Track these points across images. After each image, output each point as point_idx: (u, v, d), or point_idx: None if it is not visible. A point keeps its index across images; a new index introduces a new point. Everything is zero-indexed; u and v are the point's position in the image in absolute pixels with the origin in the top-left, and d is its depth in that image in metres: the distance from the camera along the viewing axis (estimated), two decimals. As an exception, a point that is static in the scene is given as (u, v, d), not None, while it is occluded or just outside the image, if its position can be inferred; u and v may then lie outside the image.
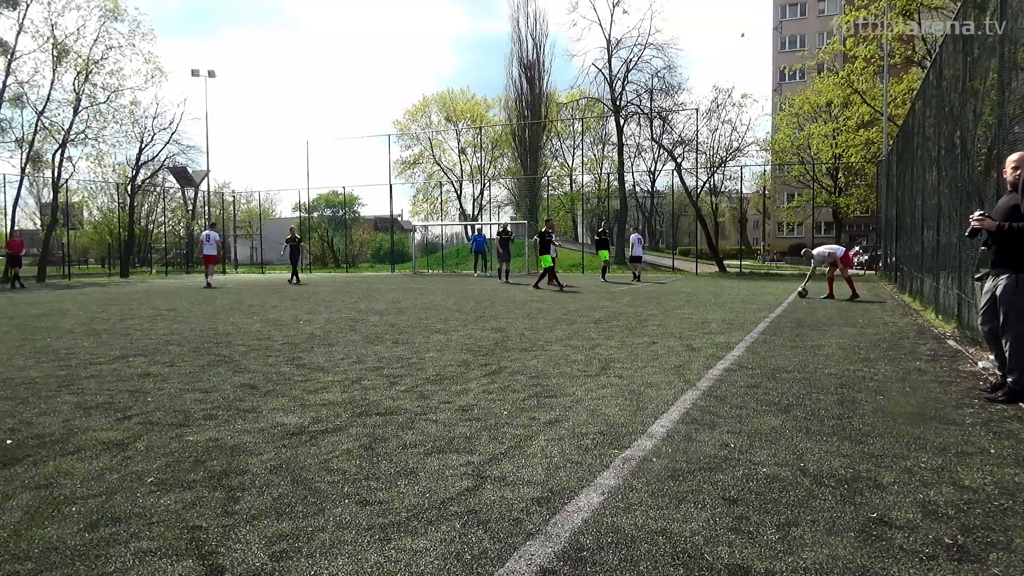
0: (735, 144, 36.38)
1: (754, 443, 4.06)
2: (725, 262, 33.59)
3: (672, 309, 12.58)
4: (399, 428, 4.45)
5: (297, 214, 47.97)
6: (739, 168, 38.58)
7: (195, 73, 37.80)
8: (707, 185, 37.39)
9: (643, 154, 51.03)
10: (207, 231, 25.22)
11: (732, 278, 26.75)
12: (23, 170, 31.42)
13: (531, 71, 48.16)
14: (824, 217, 48.77)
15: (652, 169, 54.31)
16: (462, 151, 56.82)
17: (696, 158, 35.12)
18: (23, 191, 32.63)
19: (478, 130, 53.02)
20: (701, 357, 7.14)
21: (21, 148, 31.05)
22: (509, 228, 26.90)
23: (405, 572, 2.51)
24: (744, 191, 47.20)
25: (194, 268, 42.27)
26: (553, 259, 19.97)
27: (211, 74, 37.98)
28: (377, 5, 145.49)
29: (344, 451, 3.96)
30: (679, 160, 36.10)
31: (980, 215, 5.10)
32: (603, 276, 24.95)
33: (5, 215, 32.81)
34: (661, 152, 45.19)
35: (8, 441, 4.21)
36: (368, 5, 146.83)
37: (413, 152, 57.17)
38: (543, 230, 20.44)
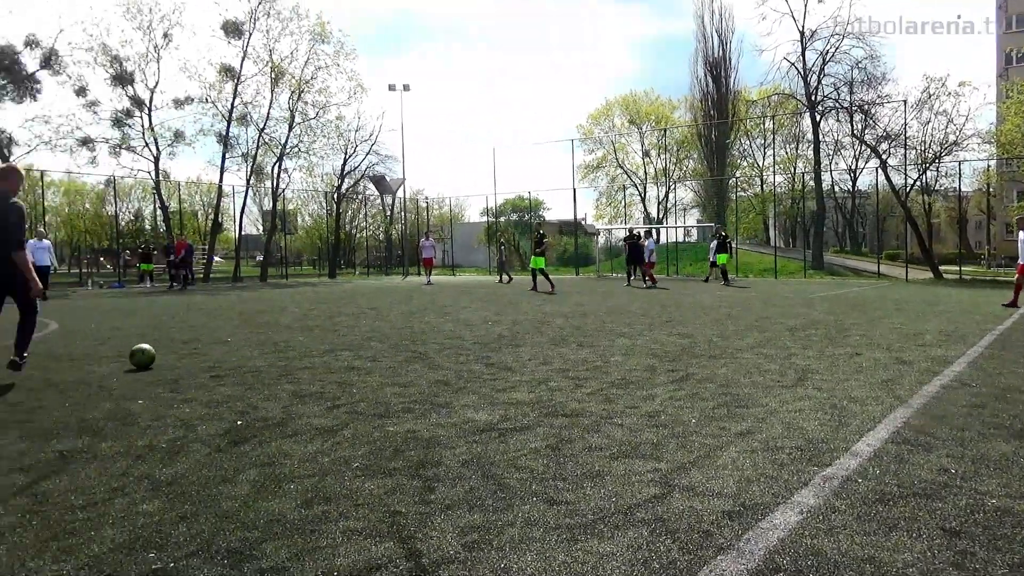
0: (951, 137, 32.65)
1: (980, 470, 3.61)
2: (941, 267, 30.38)
3: (879, 318, 11.57)
4: (585, 430, 4.46)
5: (485, 219, 49.80)
6: (956, 164, 34.68)
7: (391, 88, 40.49)
8: (918, 183, 33.99)
9: (842, 151, 47.17)
10: (424, 239, 28.16)
11: (950, 285, 24.13)
12: (248, 181, 35.41)
13: (716, 69, 46.61)
14: (1064, 217, 42.60)
15: (853, 167, 50.11)
16: (646, 153, 56.02)
17: (904, 154, 32.04)
18: (248, 200, 36.81)
19: (662, 132, 52.01)
20: (914, 371, 6.49)
21: (246, 161, 35.00)
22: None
23: (592, 574, 2.50)
24: (963, 189, 42.34)
25: (391, 270, 45.36)
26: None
27: (406, 88, 40.50)
28: (557, 10, 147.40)
29: (531, 450, 4.03)
30: (884, 157, 33.10)
31: None
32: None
33: (234, 221, 37.12)
34: (863, 149, 41.72)
35: (239, 422, 4.75)
36: (547, 10, 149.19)
37: (596, 156, 57.34)
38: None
